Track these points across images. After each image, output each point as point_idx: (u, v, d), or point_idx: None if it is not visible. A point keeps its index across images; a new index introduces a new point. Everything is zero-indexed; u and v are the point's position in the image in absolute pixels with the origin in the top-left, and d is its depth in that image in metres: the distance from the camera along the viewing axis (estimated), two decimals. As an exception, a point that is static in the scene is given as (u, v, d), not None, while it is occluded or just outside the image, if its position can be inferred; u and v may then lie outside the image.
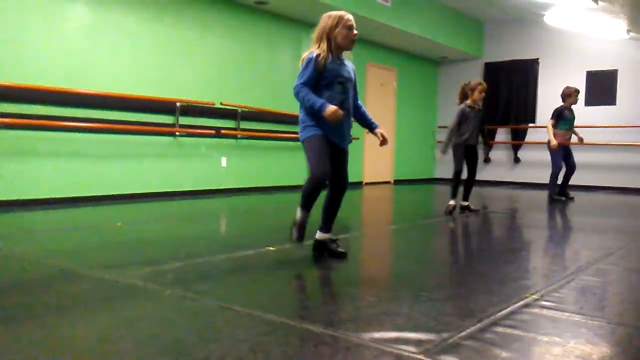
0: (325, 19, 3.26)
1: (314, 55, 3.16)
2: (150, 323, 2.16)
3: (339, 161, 3.33)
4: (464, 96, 5.85)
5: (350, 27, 3.23)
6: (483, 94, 5.78)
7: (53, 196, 5.99)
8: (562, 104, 7.53)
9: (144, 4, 6.78)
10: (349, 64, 3.37)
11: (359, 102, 3.50)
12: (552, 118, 7.46)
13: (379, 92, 10.81)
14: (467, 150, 5.84)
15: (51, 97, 5.90)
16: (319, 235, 3.44)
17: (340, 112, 3.08)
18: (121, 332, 2.05)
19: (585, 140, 10.05)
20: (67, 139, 6.12)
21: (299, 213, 3.30)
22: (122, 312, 2.31)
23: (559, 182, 7.67)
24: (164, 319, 2.22)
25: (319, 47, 3.22)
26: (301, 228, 3.29)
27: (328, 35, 3.22)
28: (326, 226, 3.42)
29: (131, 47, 6.68)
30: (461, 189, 5.97)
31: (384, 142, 3.44)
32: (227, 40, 7.80)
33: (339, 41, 3.22)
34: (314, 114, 3.16)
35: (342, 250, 3.41)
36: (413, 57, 11.64)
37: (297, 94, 3.18)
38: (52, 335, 2.02)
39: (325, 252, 3.43)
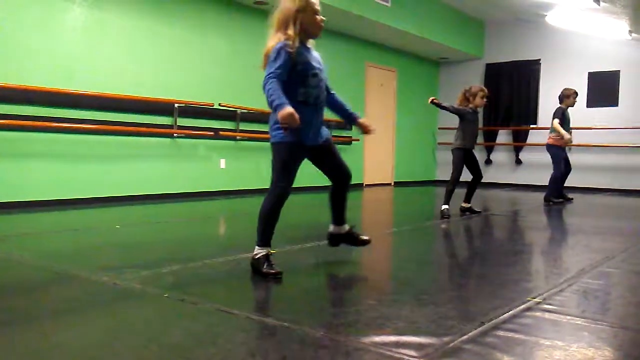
0: (288, 3, 2.89)
1: (285, 45, 2.79)
2: (148, 326, 2.14)
3: (326, 156, 3.09)
4: (465, 101, 5.84)
5: (317, 12, 2.91)
6: (485, 100, 5.80)
7: (49, 198, 5.97)
8: (560, 105, 7.46)
9: (141, 4, 6.77)
10: (316, 52, 3.04)
11: (332, 91, 3.17)
12: (557, 117, 7.33)
13: (378, 93, 10.80)
14: (466, 154, 5.82)
15: (47, 98, 5.88)
16: (333, 228, 3.29)
17: (297, 118, 2.67)
18: (118, 335, 2.02)
19: (586, 142, 10.09)
20: (63, 141, 6.10)
21: (259, 252, 2.93)
22: (120, 316, 2.28)
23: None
24: (162, 323, 2.19)
25: (284, 34, 2.85)
26: (271, 261, 2.92)
27: (295, 21, 2.85)
28: (338, 218, 3.26)
29: (129, 48, 6.67)
30: (460, 192, 5.95)
31: (368, 130, 3.19)
32: (225, 41, 7.78)
33: (306, 28, 2.89)
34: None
35: (366, 238, 3.31)
36: (413, 57, 11.62)
37: (264, 87, 2.77)
38: (48, 339, 2.00)
39: (342, 243, 3.31)
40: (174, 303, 2.42)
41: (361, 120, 3.19)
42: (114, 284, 2.71)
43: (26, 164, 5.82)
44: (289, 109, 2.66)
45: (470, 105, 5.79)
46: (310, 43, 3.00)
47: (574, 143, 7.74)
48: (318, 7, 2.92)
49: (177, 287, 2.69)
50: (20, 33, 5.73)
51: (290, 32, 2.83)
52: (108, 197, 6.48)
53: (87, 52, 6.27)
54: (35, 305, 2.42)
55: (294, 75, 2.83)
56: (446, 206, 5.74)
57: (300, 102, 2.83)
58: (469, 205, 6.02)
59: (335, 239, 3.34)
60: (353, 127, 3.41)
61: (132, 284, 2.70)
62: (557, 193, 7.62)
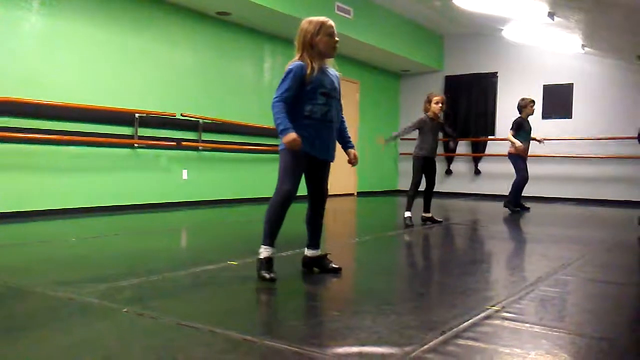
0: (306, 25, 3.16)
1: (296, 67, 3.07)
2: (106, 342, 2.08)
3: (319, 174, 3.26)
4: (426, 110, 5.95)
5: (331, 34, 3.15)
6: (440, 105, 5.84)
7: (2, 210, 5.78)
8: (520, 115, 7.70)
9: (102, 12, 6.66)
10: (333, 72, 3.27)
11: (342, 116, 3.37)
12: (512, 129, 7.61)
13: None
14: (426, 162, 5.91)
15: (3, 107, 5.71)
16: (308, 252, 3.37)
17: (299, 142, 2.97)
18: (75, 352, 1.97)
19: (541, 152, 10.38)
20: (19, 151, 5.92)
21: (262, 251, 3.12)
22: (77, 332, 2.22)
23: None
24: (121, 338, 2.14)
25: (301, 56, 3.13)
26: (270, 265, 3.11)
27: (310, 43, 3.12)
28: (313, 242, 3.35)
29: (88, 56, 6.54)
30: (421, 201, 6.04)
31: (353, 162, 3.35)
32: (188, 50, 7.72)
33: (321, 49, 3.13)
34: (294, 120, 3.05)
35: (337, 266, 3.34)
36: (375, 69, 11.76)
37: (272, 108, 3.05)
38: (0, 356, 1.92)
39: (315, 269, 3.36)
40: (133, 318, 2.37)
41: (351, 150, 3.37)
42: (70, 299, 2.63)
43: (-22, 176, 5.62)
44: (291, 135, 2.96)
45: (430, 113, 5.87)
46: (328, 62, 3.24)
47: (530, 154, 7.97)
48: (333, 29, 3.16)
49: (137, 301, 2.64)
50: (-27, 40, 5.56)
51: (306, 55, 3.11)
52: (65, 209, 6.30)
53: (45, 59, 6.12)
54: (-13, 322, 2.33)
55: (302, 93, 3.08)
56: (408, 213, 5.85)
57: (305, 117, 3.09)
58: (429, 214, 6.10)
59: (308, 263, 3.39)
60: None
61: (90, 299, 2.63)
62: (515, 202, 7.81)
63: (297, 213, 3.43)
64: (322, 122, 3.13)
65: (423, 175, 5.95)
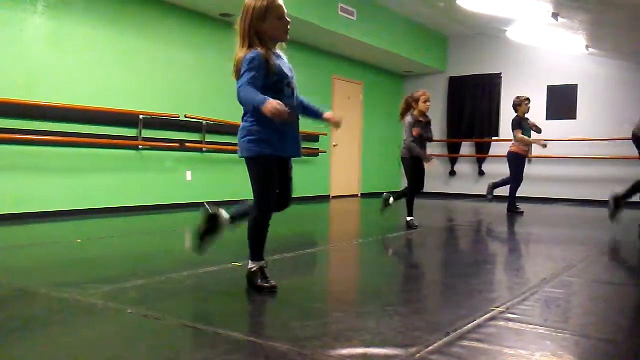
0: (251, 6, 2.71)
1: (258, 55, 2.65)
2: (111, 343, 2.09)
3: (285, 174, 2.95)
4: (407, 108, 5.72)
5: (281, 16, 2.75)
6: (428, 104, 5.67)
7: (8, 212, 5.80)
8: (516, 114, 7.60)
9: (106, 15, 6.68)
10: (285, 58, 2.90)
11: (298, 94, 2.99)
12: (517, 128, 7.45)
13: (345, 105, 10.86)
14: (414, 162, 5.80)
15: (8, 109, 5.73)
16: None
17: (284, 108, 2.50)
18: (79, 353, 1.97)
19: (546, 153, 10.34)
20: (25, 152, 5.94)
21: (253, 265, 2.90)
22: (81, 333, 2.22)
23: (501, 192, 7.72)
24: (125, 339, 2.15)
25: (248, 43, 2.71)
26: (265, 274, 2.89)
27: (256, 30, 2.71)
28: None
29: (93, 58, 6.56)
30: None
31: (336, 123, 2.99)
32: (191, 52, 7.74)
33: (271, 34, 2.74)
34: (259, 117, 2.70)
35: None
36: (379, 70, 11.75)
37: (238, 95, 2.64)
38: (5, 358, 1.93)
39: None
40: (137, 319, 2.38)
41: (327, 114, 3.00)
42: (75, 300, 2.64)
43: (-17, 177, 5.65)
44: (272, 101, 2.49)
45: (415, 113, 5.67)
46: (279, 47, 2.87)
47: (533, 154, 7.89)
48: (282, 10, 2.77)
49: (141, 302, 2.64)
50: (-22, 42, 5.58)
51: (256, 41, 2.69)
52: (70, 210, 6.32)
53: (51, 62, 6.14)
54: (-8, 323, 2.34)
55: (267, 87, 2.67)
56: (410, 217, 5.79)
57: None
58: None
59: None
60: (324, 125, 3.24)
61: (94, 300, 2.63)
62: (510, 203, 7.70)
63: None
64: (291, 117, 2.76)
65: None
